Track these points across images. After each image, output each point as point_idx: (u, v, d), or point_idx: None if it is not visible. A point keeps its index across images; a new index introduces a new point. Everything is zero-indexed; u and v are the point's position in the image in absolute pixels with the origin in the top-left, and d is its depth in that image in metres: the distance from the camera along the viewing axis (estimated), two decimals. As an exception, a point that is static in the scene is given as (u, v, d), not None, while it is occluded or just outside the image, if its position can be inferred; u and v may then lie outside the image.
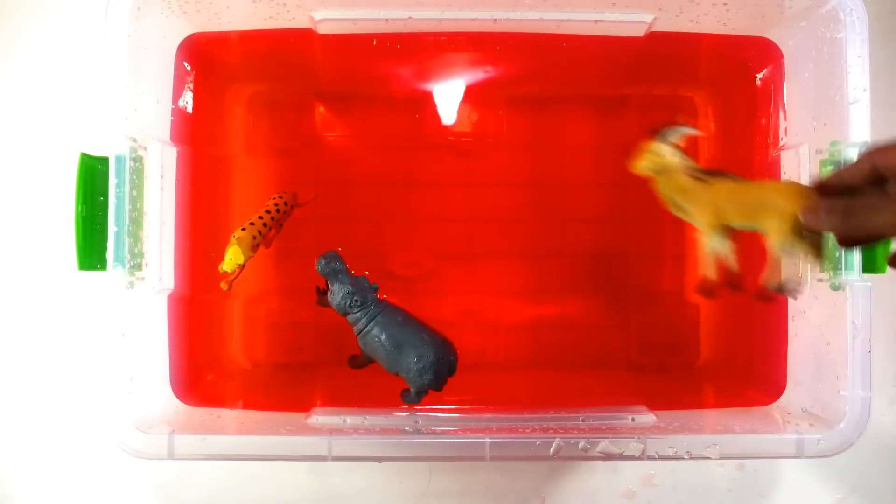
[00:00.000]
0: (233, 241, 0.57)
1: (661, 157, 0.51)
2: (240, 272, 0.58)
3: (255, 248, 0.58)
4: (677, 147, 0.51)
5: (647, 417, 0.57)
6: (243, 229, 0.58)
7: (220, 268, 0.57)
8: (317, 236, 0.65)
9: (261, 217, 0.59)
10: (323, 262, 0.56)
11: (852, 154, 0.50)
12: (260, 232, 0.58)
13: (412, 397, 0.58)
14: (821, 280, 0.53)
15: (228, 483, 0.65)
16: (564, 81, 0.66)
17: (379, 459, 0.56)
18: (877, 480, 0.66)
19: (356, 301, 0.56)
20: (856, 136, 0.50)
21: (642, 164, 0.52)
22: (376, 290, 0.58)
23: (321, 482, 0.65)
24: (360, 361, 0.60)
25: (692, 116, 0.65)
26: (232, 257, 0.56)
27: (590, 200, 0.65)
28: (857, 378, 0.50)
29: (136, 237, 0.51)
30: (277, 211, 0.60)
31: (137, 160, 0.52)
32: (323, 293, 0.59)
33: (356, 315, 0.57)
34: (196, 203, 0.60)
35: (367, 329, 0.57)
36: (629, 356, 0.65)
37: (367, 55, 0.63)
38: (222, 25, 0.59)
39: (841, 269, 0.51)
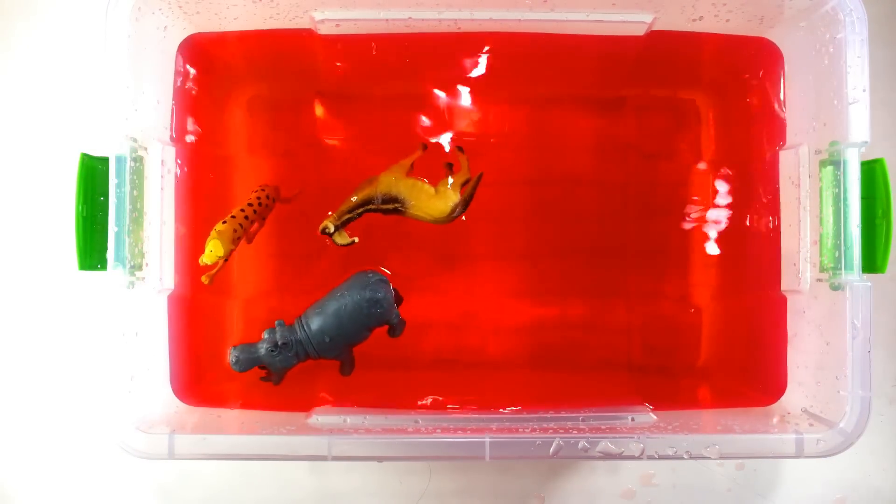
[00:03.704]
0: (213, 233, 0.57)
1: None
2: (221, 265, 0.59)
3: (236, 241, 0.59)
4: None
5: (646, 417, 0.57)
6: (224, 222, 0.58)
7: (200, 260, 0.57)
8: (316, 236, 0.65)
9: (242, 210, 0.59)
10: (237, 365, 0.57)
11: (852, 154, 0.50)
12: (241, 225, 0.59)
13: (395, 328, 0.60)
14: (821, 280, 0.53)
15: (228, 483, 0.65)
16: (564, 81, 0.66)
17: (379, 459, 0.56)
18: (877, 480, 0.66)
19: (283, 346, 0.57)
20: (855, 137, 0.50)
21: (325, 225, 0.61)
22: (282, 324, 0.58)
23: (321, 482, 0.65)
24: (347, 366, 0.60)
25: (692, 116, 0.65)
26: (212, 249, 0.57)
27: (590, 200, 0.65)
28: (857, 378, 0.50)
29: (136, 237, 0.51)
30: (260, 204, 0.60)
31: (138, 160, 0.52)
32: (267, 376, 0.60)
33: (296, 350, 0.58)
34: (196, 203, 0.60)
35: (314, 346, 0.58)
36: (629, 356, 0.65)
37: (367, 55, 0.63)
38: (222, 25, 0.59)
39: (841, 269, 0.51)
